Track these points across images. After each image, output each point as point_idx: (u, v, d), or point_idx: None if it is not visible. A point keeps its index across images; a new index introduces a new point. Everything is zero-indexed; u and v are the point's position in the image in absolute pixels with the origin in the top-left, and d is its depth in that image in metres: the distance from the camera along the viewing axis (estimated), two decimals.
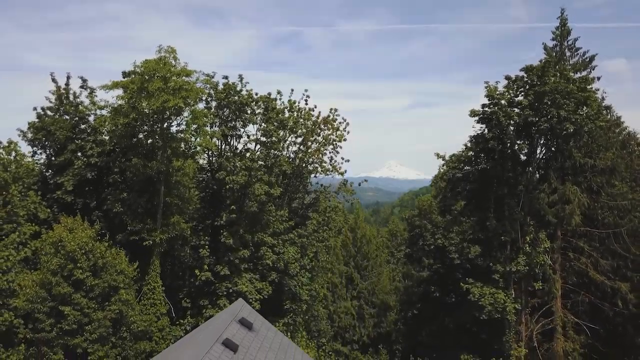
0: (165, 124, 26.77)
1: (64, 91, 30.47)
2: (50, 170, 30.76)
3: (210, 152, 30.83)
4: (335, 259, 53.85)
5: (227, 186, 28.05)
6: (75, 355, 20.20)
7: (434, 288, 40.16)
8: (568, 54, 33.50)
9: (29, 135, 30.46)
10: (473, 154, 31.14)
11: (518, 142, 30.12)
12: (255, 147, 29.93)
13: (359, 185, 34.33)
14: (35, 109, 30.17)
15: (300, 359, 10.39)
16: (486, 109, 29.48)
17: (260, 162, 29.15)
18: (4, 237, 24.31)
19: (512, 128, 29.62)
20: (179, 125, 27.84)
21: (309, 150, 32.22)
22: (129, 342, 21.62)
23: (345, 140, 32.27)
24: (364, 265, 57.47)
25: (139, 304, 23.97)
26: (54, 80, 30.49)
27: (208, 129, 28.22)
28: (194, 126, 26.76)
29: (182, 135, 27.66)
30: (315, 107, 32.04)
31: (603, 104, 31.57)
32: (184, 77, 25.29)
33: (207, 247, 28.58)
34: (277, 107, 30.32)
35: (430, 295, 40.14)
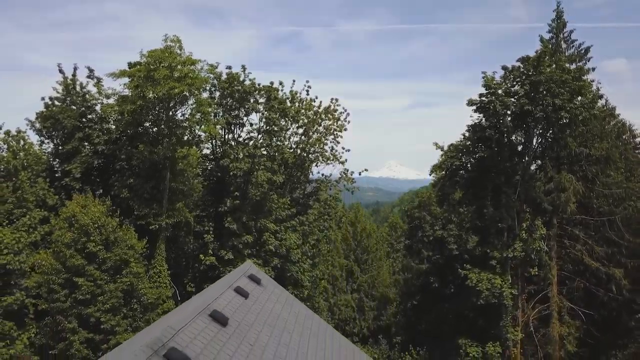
0: (171, 112, 27.51)
1: (70, 82, 31.24)
2: (57, 160, 31.52)
3: (214, 141, 31.56)
4: (335, 252, 54.57)
5: (231, 173, 28.79)
6: (88, 324, 21.00)
7: (433, 279, 40.89)
8: (564, 45, 34.25)
9: (37, 125, 31.22)
10: (470, 143, 31.83)
11: (514, 131, 30.82)
12: (258, 135, 30.65)
13: (360, 174, 35.04)
14: (43, 98, 30.92)
15: (304, 313, 11.08)
16: (483, 98, 30.20)
17: (262, 150, 29.88)
18: (14, 220, 25.06)
19: (508, 117, 30.34)
20: (183, 115, 28.67)
21: (310, 140, 32.96)
22: (139, 313, 22.44)
23: (345, 130, 33.02)
24: (364, 258, 58.16)
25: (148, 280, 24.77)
26: (61, 71, 31.25)
27: (212, 117, 28.94)
28: (199, 115, 27.53)
29: (187, 123, 28.44)
30: (317, 97, 32.82)
31: (598, 94, 32.22)
32: (189, 66, 26.03)
33: (211, 232, 29.32)
34: (279, 97, 31.04)
35: (429, 287, 40.86)
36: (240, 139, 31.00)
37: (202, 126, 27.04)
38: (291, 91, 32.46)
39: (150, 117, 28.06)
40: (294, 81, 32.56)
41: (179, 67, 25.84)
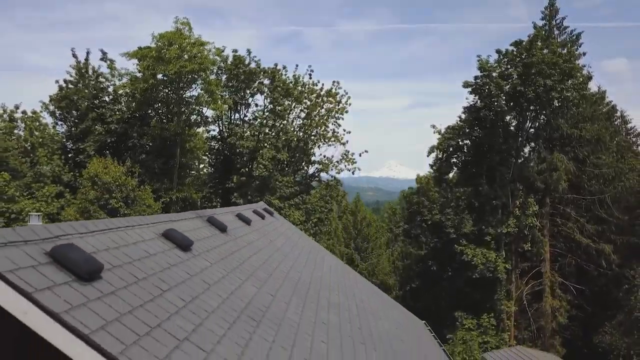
0: (181, 91, 28.91)
1: (83, 65, 32.62)
2: (70, 141, 32.88)
3: (221, 122, 32.94)
4: (336, 240, 55.87)
5: (237, 150, 30.17)
6: None
7: (431, 262, 42.18)
8: (556, 32, 35.63)
9: (51, 107, 32.59)
10: (466, 124, 33.23)
11: (508, 112, 32.20)
12: (263, 114, 32.05)
13: (360, 155, 36.32)
14: (57, 81, 32.30)
15: (307, 245, 12.35)
16: (478, 80, 31.60)
17: (267, 130, 31.26)
18: (34, 192, 26.49)
19: (502, 98, 31.73)
20: (191, 97, 30.10)
21: (313, 122, 34.32)
22: None
23: (347, 112, 34.37)
24: (364, 247, 59.47)
25: None
26: (74, 55, 32.61)
27: (220, 97, 30.32)
28: (207, 95, 28.93)
29: (195, 105, 29.88)
30: (319, 81, 34.21)
31: (589, 75, 33.60)
32: (198, 47, 27.42)
33: (219, 208, 30.75)
34: (283, 79, 32.40)
35: (428, 271, 42.11)
36: (246, 119, 32.40)
37: (211, 105, 28.38)
38: (294, 75, 33.83)
39: (161, 96, 29.43)
40: (296, 65, 33.95)
41: (188, 47, 27.24)
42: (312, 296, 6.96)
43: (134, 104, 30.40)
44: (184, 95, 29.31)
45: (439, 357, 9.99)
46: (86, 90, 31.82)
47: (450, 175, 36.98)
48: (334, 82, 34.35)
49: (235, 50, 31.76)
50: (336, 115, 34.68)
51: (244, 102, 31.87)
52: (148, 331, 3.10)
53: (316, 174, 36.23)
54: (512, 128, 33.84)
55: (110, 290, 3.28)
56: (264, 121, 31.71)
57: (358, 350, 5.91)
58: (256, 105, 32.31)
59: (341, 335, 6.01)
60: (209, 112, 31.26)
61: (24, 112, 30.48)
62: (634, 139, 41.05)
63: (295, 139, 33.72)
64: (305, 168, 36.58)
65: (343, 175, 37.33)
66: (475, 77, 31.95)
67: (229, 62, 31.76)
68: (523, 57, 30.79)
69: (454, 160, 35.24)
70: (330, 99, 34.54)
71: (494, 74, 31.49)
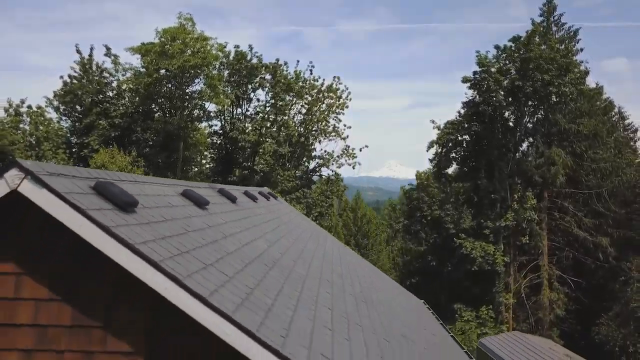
0: (184, 86, 29.36)
1: (87, 61, 33.05)
2: (74, 136, 33.31)
3: (223, 116, 33.38)
4: (336, 237, 56.29)
5: (240, 144, 30.61)
6: None
7: (430, 257, 42.59)
8: (554, 28, 36.07)
9: (55, 103, 33.03)
10: (465, 119, 33.67)
11: (507, 106, 32.64)
12: (265, 109, 32.49)
13: (360, 151, 36.75)
14: (62, 77, 32.75)
15: (310, 225, 12.78)
16: (477, 75, 32.06)
17: (269, 124, 31.71)
18: None
19: (501, 93, 32.18)
20: (193, 93, 30.55)
21: (313, 118, 34.76)
22: None
23: (347, 107, 34.83)
24: (364, 243, 59.88)
25: None
26: (78, 51, 33.03)
27: (222, 91, 30.78)
28: (209, 90, 29.38)
29: (198, 100, 30.34)
30: (320, 77, 34.65)
31: (586, 70, 34.07)
32: (201, 42, 27.89)
33: None
34: (284, 74, 32.84)
35: (428, 267, 42.52)
36: (249, 113, 32.86)
37: (213, 99, 28.82)
38: (295, 71, 34.27)
39: (164, 91, 29.88)
40: (297, 61, 34.42)
41: (191, 43, 27.70)
42: (316, 262, 7.40)
43: (137, 98, 30.84)
44: (187, 90, 29.76)
45: (437, 327, 10.41)
46: (90, 86, 32.25)
47: (450, 170, 37.45)
48: (334, 77, 34.82)
49: (237, 46, 32.23)
50: (337, 111, 35.13)
51: (245, 97, 32.31)
52: (179, 253, 3.55)
53: (317, 169, 36.68)
54: (510, 123, 34.30)
55: (145, 221, 3.73)
56: (266, 115, 32.15)
57: (360, 306, 6.34)
58: (258, 100, 32.79)
59: (344, 294, 6.44)
60: (211, 107, 31.72)
61: (29, 107, 30.94)
62: (631, 135, 41.53)
63: (296, 134, 34.15)
64: (306, 164, 37.02)
65: (343, 175, 37.82)
66: (474, 73, 32.42)
67: (231, 58, 32.18)
68: (521, 52, 31.25)
69: (453, 155, 35.68)
70: (331, 94, 34.98)
71: (493, 69, 31.95)
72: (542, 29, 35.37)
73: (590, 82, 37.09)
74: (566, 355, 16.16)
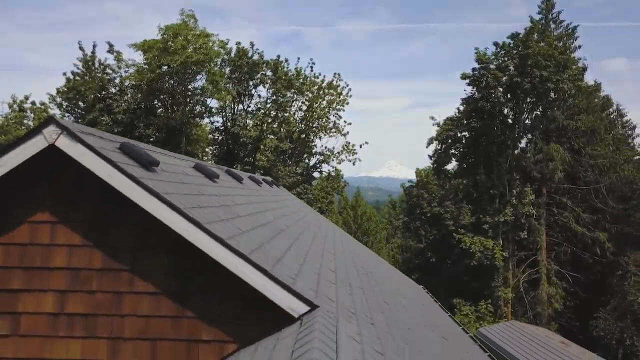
0: (186, 81, 29.69)
1: (90, 58, 33.39)
2: None
3: (224, 112, 33.73)
4: None
5: (241, 140, 30.95)
6: None
7: (430, 254, 42.92)
8: (553, 26, 36.42)
9: (58, 99, 33.36)
10: (464, 115, 34.02)
11: (505, 103, 32.98)
12: (266, 105, 32.85)
13: (360, 147, 37.11)
14: (65, 74, 33.08)
15: (312, 212, 13.11)
16: (476, 72, 32.41)
17: (270, 119, 32.05)
18: None
19: (500, 90, 32.52)
20: (195, 89, 30.90)
21: (314, 115, 35.10)
22: None
23: (347, 104, 35.16)
24: (364, 241, 60.19)
25: None
26: (81, 48, 33.37)
27: (223, 87, 31.11)
28: (211, 86, 29.71)
29: (200, 96, 30.67)
30: (320, 73, 35.01)
31: (584, 66, 34.42)
32: (204, 38, 28.21)
33: None
34: (285, 70, 33.18)
35: (427, 263, 42.83)
36: (250, 109, 33.21)
37: (215, 94, 29.14)
38: (296, 68, 34.60)
39: (166, 87, 30.21)
40: (298, 58, 34.78)
41: (193, 39, 28.03)
42: (320, 238, 7.73)
43: (139, 94, 31.15)
44: (189, 87, 30.08)
45: (437, 308, 10.74)
46: (93, 82, 32.57)
47: (449, 167, 37.81)
48: (335, 74, 35.16)
49: (238, 43, 32.57)
50: (337, 107, 35.47)
51: (247, 93, 32.64)
52: (197, 207, 3.89)
53: (317, 165, 37.01)
54: (509, 120, 34.64)
55: (166, 179, 4.07)
56: (267, 112, 32.49)
57: (362, 277, 6.65)
58: (259, 96, 33.13)
59: (346, 265, 6.77)
60: (213, 103, 32.05)
61: (32, 103, 31.31)
62: (629, 132, 41.86)
63: (297, 131, 34.48)
64: (307, 161, 37.35)
65: (343, 175, 38.15)
66: (473, 69, 32.76)
67: (232, 55, 32.52)
68: (519, 49, 31.59)
69: (453, 151, 36.02)
70: (331, 91, 35.33)
71: (492, 66, 32.30)
72: (540, 26, 35.76)
73: (590, 80, 37.59)
74: (562, 342, 16.48)
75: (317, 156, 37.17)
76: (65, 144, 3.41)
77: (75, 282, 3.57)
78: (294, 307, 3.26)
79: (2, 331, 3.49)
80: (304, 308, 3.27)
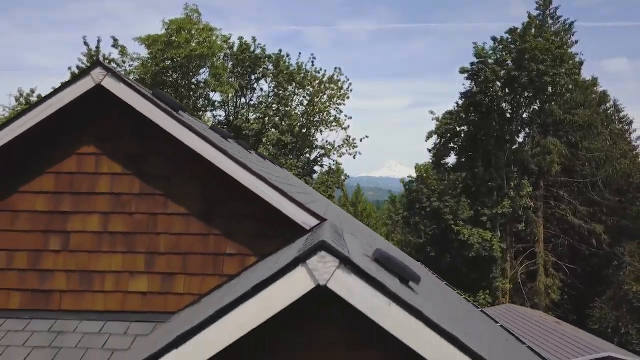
0: (190, 74, 30.27)
1: (94, 53, 33.95)
2: None
3: (227, 106, 34.30)
4: None
5: (243, 133, 31.50)
6: None
7: (429, 248, 43.43)
8: (550, 21, 36.98)
9: None
10: (462, 108, 34.60)
11: (503, 97, 33.57)
12: (268, 99, 33.42)
13: (361, 140, 37.61)
14: (69, 68, 33.62)
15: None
16: (474, 66, 33.00)
17: (271, 112, 32.62)
18: None
19: (498, 84, 33.11)
20: (199, 82, 31.48)
21: (315, 109, 35.65)
22: None
23: (348, 98, 35.73)
24: None
25: None
26: (85, 43, 33.89)
27: (226, 80, 31.69)
28: (214, 80, 30.30)
29: (203, 90, 31.27)
30: (321, 68, 35.56)
31: (581, 60, 35.03)
32: (207, 32, 28.81)
33: None
34: (287, 65, 33.74)
35: (427, 258, 43.29)
36: (252, 103, 33.77)
37: (218, 87, 29.71)
38: (297, 62, 35.16)
39: (170, 80, 30.78)
40: (299, 53, 35.33)
41: (197, 33, 28.62)
42: (322, 200, 8.29)
43: (145, 84, 31.72)
44: (192, 80, 30.65)
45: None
46: None
47: (448, 161, 38.38)
48: (335, 68, 35.68)
49: (241, 37, 33.13)
50: (337, 101, 36.00)
51: (249, 86, 33.19)
52: (222, 142, 4.46)
53: (318, 159, 37.54)
54: (507, 114, 35.22)
55: (193, 123, 4.65)
56: (269, 104, 33.06)
57: (365, 246, 7.23)
58: (261, 89, 33.70)
59: (351, 233, 7.34)
60: (216, 96, 32.62)
61: (38, 96, 31.81)
62: (626, 127, 42.44)
63: (298, 125, 35.03)
64: (308, 156, 37.88)
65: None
66: (471, 64, 33.35)
67: (235, 49, 33.08)
68: (517, 43, 32.18)
69: (451, 145, 36.59)
70: (332, 85, 35.86)
71: (490, 60, 32.89)
72: (537, 21, 36.35)
73: (587, 76, 38.08)
74: (556, 322, 17.05)
75: (318, 150, 37.72)
76: (110, 83, 3.97)
77: (117, 204, 4.13)
78: (307, 220, 3.83)
79: (54, 247, 4.05)
80: (315, 222, 3.83)
